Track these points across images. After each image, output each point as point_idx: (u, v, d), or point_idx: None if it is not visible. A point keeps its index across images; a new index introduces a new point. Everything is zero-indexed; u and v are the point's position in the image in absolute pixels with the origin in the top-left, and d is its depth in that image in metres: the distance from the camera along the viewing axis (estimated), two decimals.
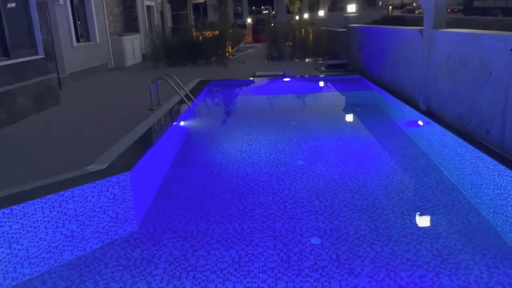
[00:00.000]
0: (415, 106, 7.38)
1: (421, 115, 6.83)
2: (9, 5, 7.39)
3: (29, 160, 5.15)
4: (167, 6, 25.40)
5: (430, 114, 6.70)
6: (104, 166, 4.46)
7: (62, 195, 3.77)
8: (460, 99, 5.77)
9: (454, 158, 5.22)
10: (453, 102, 5.99)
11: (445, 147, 5.56)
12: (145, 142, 5.57)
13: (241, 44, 30.63)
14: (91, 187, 3.99)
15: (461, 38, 5.93)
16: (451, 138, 5.42)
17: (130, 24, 18.78)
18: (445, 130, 5.67)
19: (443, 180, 5.22)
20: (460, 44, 5.89)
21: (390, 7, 69.07)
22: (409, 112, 7.47)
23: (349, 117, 9.31)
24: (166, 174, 5.73)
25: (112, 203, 4.16)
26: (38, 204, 3.61)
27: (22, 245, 3.54)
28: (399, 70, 8.72)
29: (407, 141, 6.75)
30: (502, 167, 4.06)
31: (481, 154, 4.53)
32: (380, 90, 9.74)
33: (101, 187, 4.06)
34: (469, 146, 4.87)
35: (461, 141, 5.12)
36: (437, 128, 5.97)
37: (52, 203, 3.70)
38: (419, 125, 6.87)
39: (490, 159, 4.33)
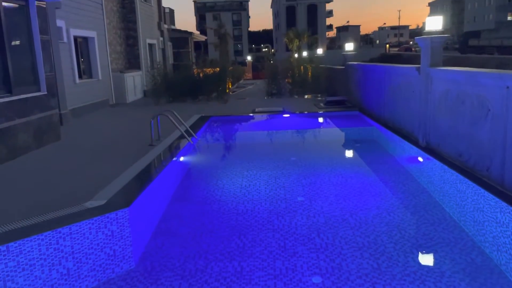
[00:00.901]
0: (414, 142, 7.40)
1: (420, 152, 6.84)
2: (13, 43, 7.54)
3: (27, 196, 5.11)
4: (169, 44, 25.95)
5: (429, 150, 6.71)
6: (102, 202, 4.42)
7: (60, 232, 3.72)
8: (459, 135, 5.80)
9: (455, 195, 5.18)
10: (452, 139, 6.01)
11: (446, 183, 5.54)
12: (144, 178, 5.54)
13: (241, 81, 31.06)
14: (89, 223, 3.94)
15: (458, 76, 6.02)
16: (451, 174, 5.41)
17: (132, 61, 19.14)
18: (445, 167, 5.66)
19: (445, 217, 5.17)
20: (457, 82, 5.97)
21: (388, 45, 70.75)
22: (408, 148, 7.49)
23: (349, 153, 9.33)
24: (165, 210, 5.67)
25: (109, 240, 4.10)
26: (35, 241, 3.56)
27: (17, 283, 3.47)
28: (397, 107, 8.80)
29: (408, 178, 6.73)
30: (504, 204, 4.04)
31: (482, 190, 4.51)
32: (379, 127, 9.79)
33: (99, 224, 4.01)
34: (470, 182, 4.85)
35: (461, 177, 5.11)
36: (437, 164, 5.97)
37: (49, 240, 3.64)
38: (419, 162, 6.87)
39: (491, 196, 4.30)
